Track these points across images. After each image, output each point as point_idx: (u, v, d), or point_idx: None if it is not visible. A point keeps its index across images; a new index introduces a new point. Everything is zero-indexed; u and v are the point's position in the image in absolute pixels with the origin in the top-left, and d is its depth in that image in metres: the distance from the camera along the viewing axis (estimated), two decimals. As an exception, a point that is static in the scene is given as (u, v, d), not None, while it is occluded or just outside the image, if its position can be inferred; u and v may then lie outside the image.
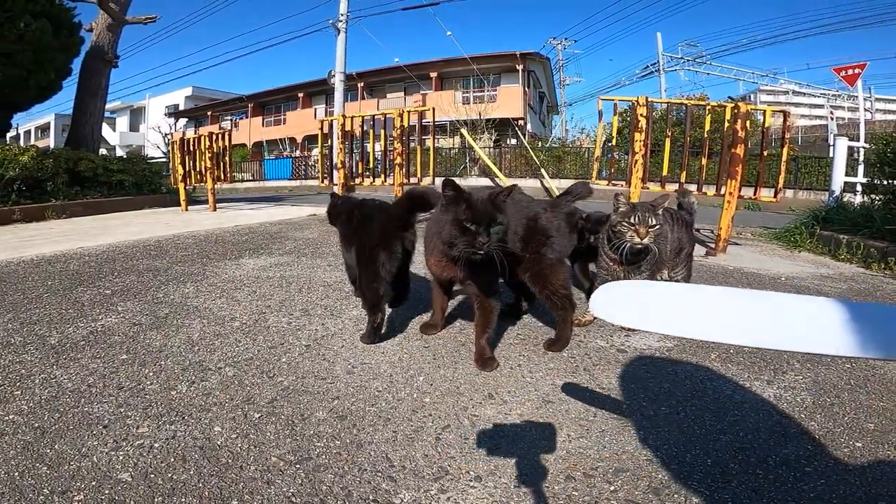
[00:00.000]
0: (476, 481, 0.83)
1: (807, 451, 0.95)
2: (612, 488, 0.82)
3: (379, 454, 0.90)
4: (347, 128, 4.67)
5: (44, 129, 30.50)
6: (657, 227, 1.55)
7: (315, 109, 21.87)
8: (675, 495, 0.80)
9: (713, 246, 3.37)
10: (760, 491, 0.82)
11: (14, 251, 2.93)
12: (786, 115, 3.54)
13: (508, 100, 18.32)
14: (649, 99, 3.47)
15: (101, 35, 7.25)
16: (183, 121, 27.42)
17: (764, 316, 0.28)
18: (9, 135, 7.98)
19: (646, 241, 1.54)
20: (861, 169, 5.40)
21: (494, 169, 11.98)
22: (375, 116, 4.61)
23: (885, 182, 3.62)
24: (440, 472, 0.85)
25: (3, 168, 4.85)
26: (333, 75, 11.74)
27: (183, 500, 0.75)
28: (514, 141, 16.27)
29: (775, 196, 3.45)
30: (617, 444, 0.96)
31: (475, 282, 1.32)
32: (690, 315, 0.30)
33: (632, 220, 1.54)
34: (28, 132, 30.97)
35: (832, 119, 10.24)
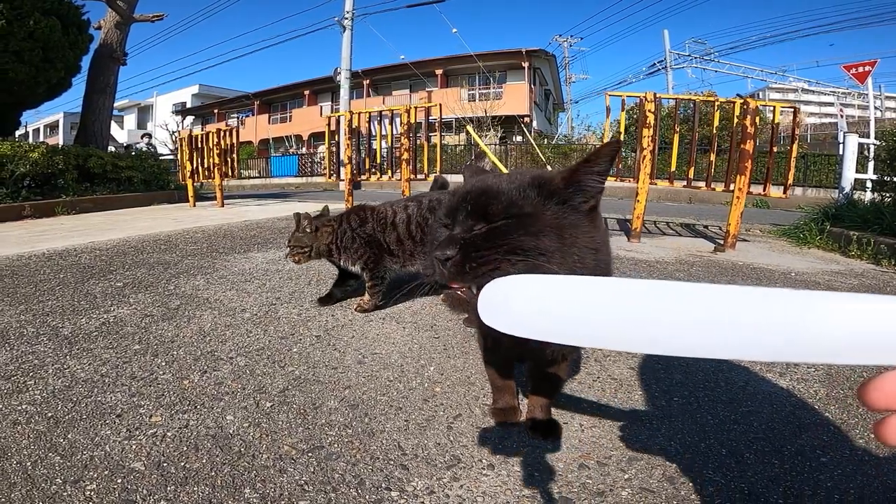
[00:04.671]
0: (489, 469, 0.83)
1: (822, 442, 0.95)
2: (626, 476, 0.82)
3: (391, 442, 0.90)
4: (354, 124, 4.68)
5: (52, 127, 30.75)
6: None
7: (321, 107, 21.91)
8: (691, 483, 0.81)
9: (722, 242, 3.35)
10: (777, 480, 0.82)
11: (26, 245, 2.96)
12: (796, 111, 3.50)
13: (514, 97, 18.26)
14: (658, 95, 3.44)
15: (110, 33, 7.29)
16: (190, 118, 27.54)
17: (724, 316, 0.22)
18: (18, 133, 8.05)
19: None
20: (871, 166, 5.35)
21: (500, 166, 11.94)
22: (382, 112, 4.61)
23: (896, 179, 3.57)
24: (453, 461, 0.85)
25: (14, 164, 4.90)
26: (339, 73, 11.78)
27: (195, 488, 0.75)
28: (519, 138, 16.23)
29: (785, 192, 3.42)
30: (629, 433, 0.96)
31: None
32: (602, 318, 0.24)
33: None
34: (37, 130, 31.22)
35: (842, 116, 10.11)
